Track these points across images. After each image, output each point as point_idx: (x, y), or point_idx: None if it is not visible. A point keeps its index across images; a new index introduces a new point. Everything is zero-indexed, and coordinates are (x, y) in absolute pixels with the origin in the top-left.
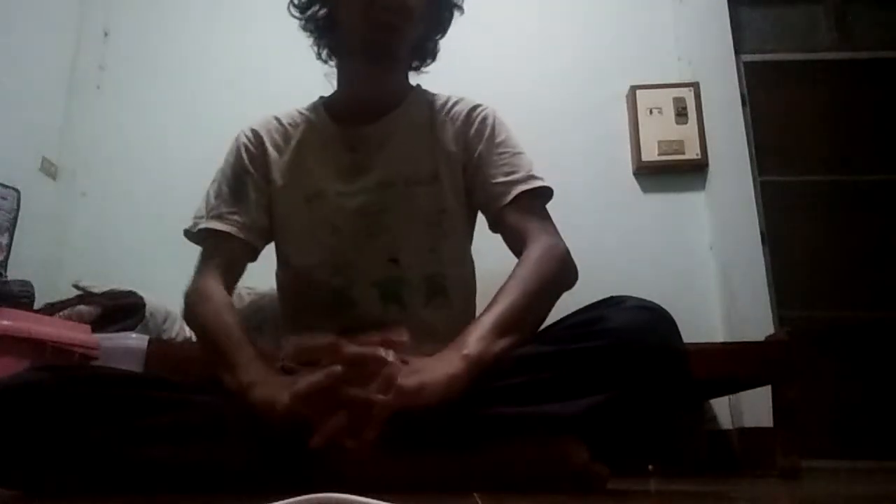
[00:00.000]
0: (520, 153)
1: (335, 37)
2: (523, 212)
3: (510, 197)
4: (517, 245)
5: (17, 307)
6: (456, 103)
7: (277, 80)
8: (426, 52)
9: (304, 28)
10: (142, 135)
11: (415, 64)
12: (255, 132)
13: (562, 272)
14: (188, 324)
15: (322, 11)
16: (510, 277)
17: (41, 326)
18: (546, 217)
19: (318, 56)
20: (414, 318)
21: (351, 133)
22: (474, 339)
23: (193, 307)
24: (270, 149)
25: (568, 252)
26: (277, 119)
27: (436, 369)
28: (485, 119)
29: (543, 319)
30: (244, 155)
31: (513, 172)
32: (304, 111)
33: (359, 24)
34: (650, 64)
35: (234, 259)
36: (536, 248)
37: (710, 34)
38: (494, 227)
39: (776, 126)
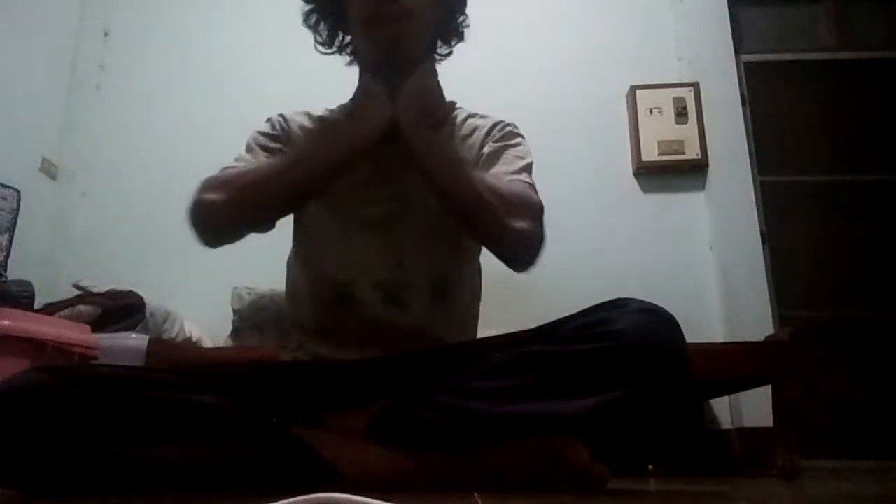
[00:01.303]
0: (525, 160)
1: (357, 53)
2: None
3: None
4: None
5: (17, 307)
6: (480, 118)
7: (277, 80)
8: (451, 34)
9: (349, 63)
10: (142, 135)
11: (442, 50)
12: (282, 115)
13: (528, 208)
14: (205, 206)
15: (347, 39)
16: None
17: (41, 326)
18: None
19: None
20: (414, 320)
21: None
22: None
23: (211, 188)
24: (298, 133)
25: (542, 211)
26: (308, 114)
27: None
28: (504, 127)
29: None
30: (277, 127)
31: (505, 167)
32: (335, 111)
33: (364, 42)
34: (650, 64)
35: None
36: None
37: (710, 34)
38: None
39: (776, 126)
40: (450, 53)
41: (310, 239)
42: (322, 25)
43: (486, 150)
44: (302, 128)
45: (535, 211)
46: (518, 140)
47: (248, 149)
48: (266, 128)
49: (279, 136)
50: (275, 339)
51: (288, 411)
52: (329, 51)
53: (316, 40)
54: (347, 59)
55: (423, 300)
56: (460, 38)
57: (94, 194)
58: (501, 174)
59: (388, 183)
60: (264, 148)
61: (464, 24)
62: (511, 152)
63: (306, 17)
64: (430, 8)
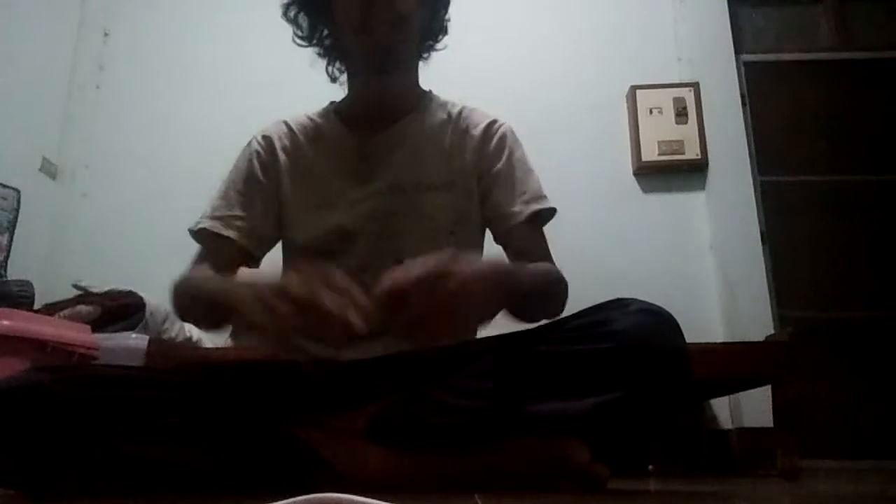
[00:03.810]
0: (531, 171)
1: (343, 53)
2: (531, 233)
3: (522, 217)
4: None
5: (17, 307)
6: (472, 112)
7: (276, 81)
8: (435, 32)
9: (317, 54)
10: (142, 135)
11: (427, 44)
12: (266, 138)
13: (561, 295)
14: (176, 307)
15: (326, 33)
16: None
17: (41, 326)
18: (546, 242)
19: (332, 79)
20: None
21: (362, 140)
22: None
23: (178, 287)
24: (281, 155)
25: (567, 285)
26: (288, 124)
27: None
28: (503, 136)
29: (540, 311)
30: (255, 162)
31: (524, 192)
32: (314, 117)
33: (354, 47)
34: (650, 64)
35: (230, 263)
36: (548, 266)
37: (710, 34)
38: (500, 240)
39: (776, 126)
40: (438, 47)
41: (302, 247)
42: (301, 18)
43: (485, 164)
44: (284, 149)
45: (564, 291)
46: (515, 148)
47: (224, 194)
48: (243, 163)
49: (256, 176)
50: None
51: (288, 411)
52: (309, 45)
53: (295, 34)
54: (321, 51)
55: None
56: (444, 31)
57: (94, 194)
58: (529, 245)
59: (377, 176)
60: (241, 194)
61: (447, 19)
62: (518, 171)
63: (285, 9)
64: (419, 10)
